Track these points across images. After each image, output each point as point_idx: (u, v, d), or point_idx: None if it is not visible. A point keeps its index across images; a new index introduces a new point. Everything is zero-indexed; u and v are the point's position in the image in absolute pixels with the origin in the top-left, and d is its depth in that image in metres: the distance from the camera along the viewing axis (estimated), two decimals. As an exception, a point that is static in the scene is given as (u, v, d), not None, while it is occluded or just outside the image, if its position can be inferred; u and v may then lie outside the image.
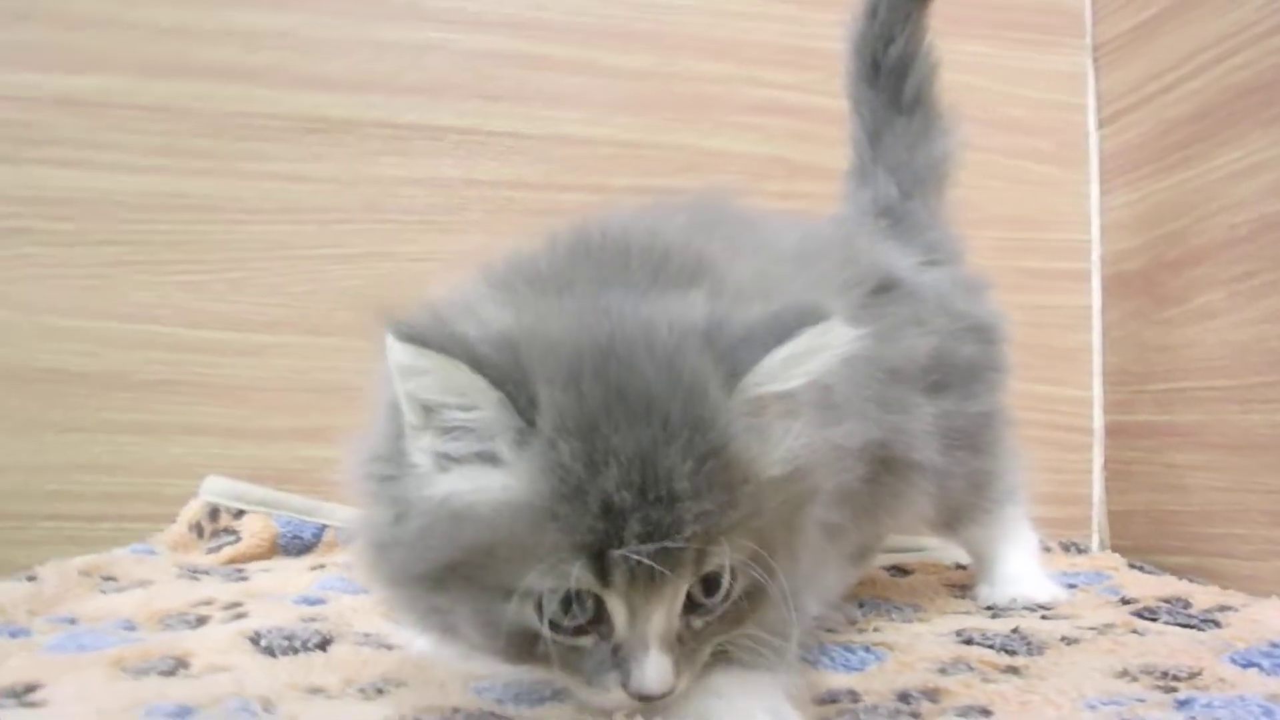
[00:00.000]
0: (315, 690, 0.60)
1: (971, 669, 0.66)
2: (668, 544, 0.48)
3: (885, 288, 0.87)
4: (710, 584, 0.53)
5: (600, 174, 1.33)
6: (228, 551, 1.12)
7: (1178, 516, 1.21)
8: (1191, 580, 1.07)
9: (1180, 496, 1.21)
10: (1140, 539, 1.29)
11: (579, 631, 0.51)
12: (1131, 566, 1.17)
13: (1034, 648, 0.72)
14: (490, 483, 0.50)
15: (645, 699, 0.51)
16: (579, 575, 0.48)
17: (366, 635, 0.74)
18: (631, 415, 0.49)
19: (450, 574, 0.51)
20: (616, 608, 0.51)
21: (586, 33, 1.34)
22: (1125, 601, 0.93)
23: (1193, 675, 0.64)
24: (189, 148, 1.25)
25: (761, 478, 0.52)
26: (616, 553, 0.48)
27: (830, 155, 1.29)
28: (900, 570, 1.17)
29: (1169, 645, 0.72)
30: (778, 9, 1.38)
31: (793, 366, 0.53)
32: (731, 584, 0.53)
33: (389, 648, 0.72)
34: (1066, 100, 1.45)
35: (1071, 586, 1.02)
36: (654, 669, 0.50)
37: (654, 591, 0.50)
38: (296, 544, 1.16)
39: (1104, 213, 1.42)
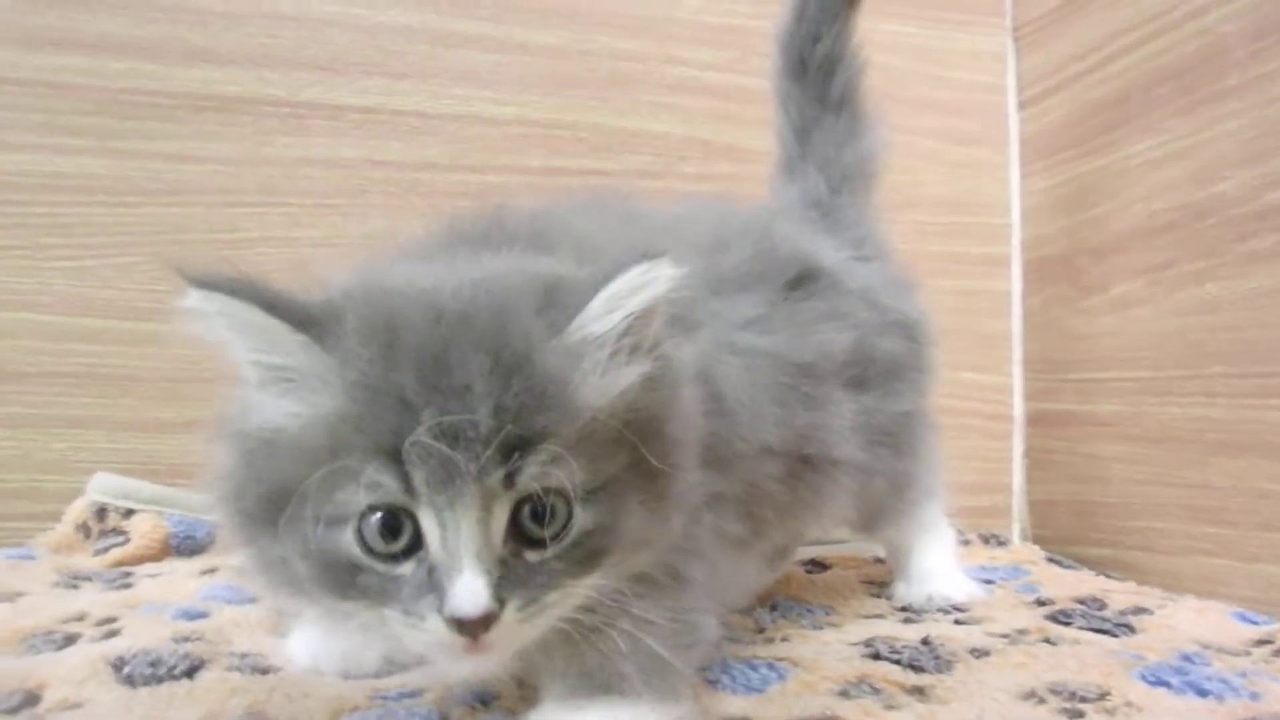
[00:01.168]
0: (170, 729, 0.54)
1: (876, 690, 0.63)
2: (461, 440, 0.47)
3: (805, 279, 0.84)
4: (538, 513, 0.50)
5: (512, 154, 1.27)
6: (115, 554, 1.05)
7: (1099, 508, 1.20)
8: (1109, 576, 1.06)
9: (1101, 488, 1.20)
10: (1061, 529, 1.28)
11: (398, 558, 0.50)
12: (1050, 560, 1.16)
13: (941, 663, 0.69)
14: (296, 407, 0.51)
15: (460, 624, 0.48)
16: (377, 476, 0.47)
17: (243, 656, 0.69)
18: (434, 323, 0.50)
19: (276, 510, 0.50)
20: (428, 522, 0.49)
21: (498, 8, 1.28)
22: (1041, 603, 0.91)
23: (1102, 695, 0.62)
24: (71, 125, 1.17)
25: (579, 400, 0.51)
26: (409, 442, 0.47)
27: (749, 136, 1.26)
28: (818, 565, 1.14)
29: (1080, 658, 0.70)
30: (695, -15, 1.34)
31: (616, 304, 0.52)
32: (568, 519, 0.51)
33: (264, 671, 0.67)
34: (988, 81, 1.43)
35: (989, 582, 1.01)
36: (464, 587, 0.48)
37: (459, 497, 0.48)
38: (189, 544, 1.10)
39: (1024, 196, 1.40)
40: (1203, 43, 1.06)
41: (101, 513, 1.11)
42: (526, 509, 0.50)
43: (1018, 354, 1.39)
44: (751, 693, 0.64)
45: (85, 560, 1.05)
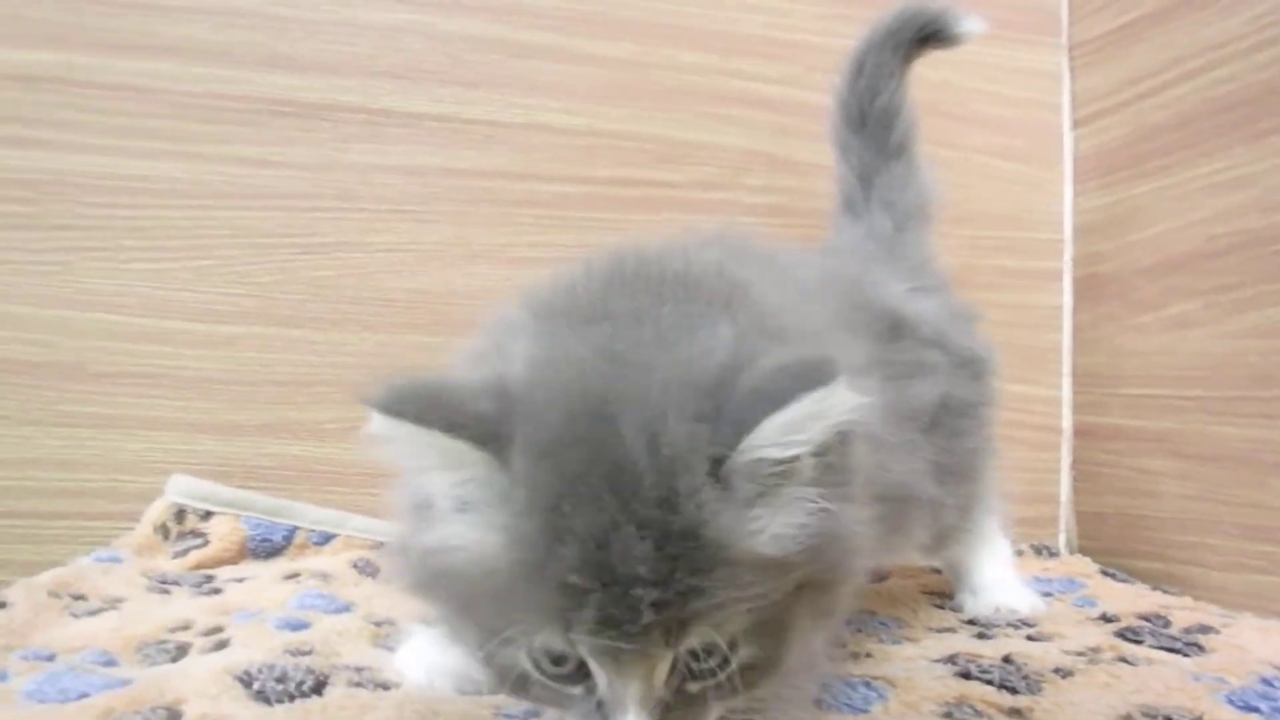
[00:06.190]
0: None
1: (977, 713, 0.66)
2: (624, 629, 0.47)
3: (895, 330, 0.88)
4: (706, 651, 0.50)
5: (579, 165, 1.29)
6: (195, 556, 1.08)
7: (1148, 521, 1.23)
8: (1165, 590, 1.09)
9: (1151, 502, 1.23)
10: (1110, 541, 1.31)
11: (568, 680, 0.52)
12: (1104, 574, 1.19)
13: (1031, 684, 0.72)
14: (470, 541, 0.51)
15: None
16: (550, 640, 0.50)
17: (359, 670, 0.72)
18: (597, 493, 0.47)
19: (451, 604, 0.55)
20: (596, 671, 0.51)
21: (566, 19, 1.30)
22: (1105, 619, 0.94)
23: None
24: (152, 129, 1.19)
25: (748, 558, 0.48)
26: (574, 628, 0.48)
27: (810, 150, 1.29)
28: (875, 575, 1.17)
29: (1163, 680, 0.73)
30: (760, 0, 1.36)
31: (792, 433, 0.48)
32: (729, 654, 0.51)
33: (385, 687, 0.69)
34: (1042, 99, 1.45)
35: (1046, 594, 1.04)
36: None
37: (626, 664, 0.49)
38: (266, 547, 1.13)
39: (1077, 214, 1.42)
40: (1271, 74, 1.08)
41: (180, 514, 1.13)
42: (688, 652, 0.50)
43: (1067, 367, 1.42)
44: (857, 712, 0.67)
45: (165, 562, 1.07)
